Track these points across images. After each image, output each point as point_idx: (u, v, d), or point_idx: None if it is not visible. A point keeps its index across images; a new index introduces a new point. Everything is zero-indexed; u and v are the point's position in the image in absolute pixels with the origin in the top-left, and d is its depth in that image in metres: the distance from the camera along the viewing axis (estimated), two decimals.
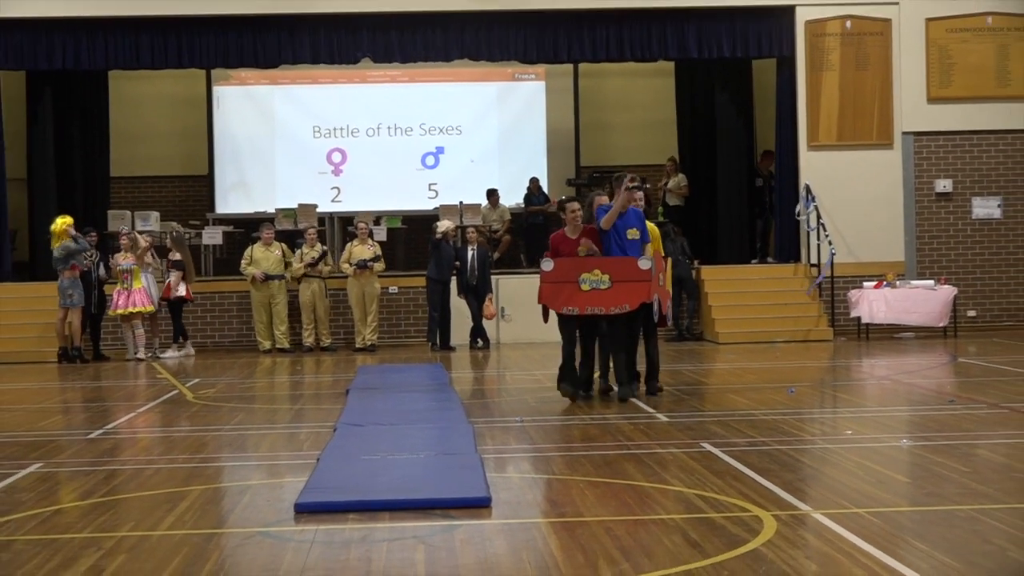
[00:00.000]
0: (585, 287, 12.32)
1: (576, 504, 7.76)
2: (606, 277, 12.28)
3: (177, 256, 19.99)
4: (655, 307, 12.56)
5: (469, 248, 19.90)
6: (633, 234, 12.49)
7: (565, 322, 12.65)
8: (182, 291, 19.74)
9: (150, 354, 19.39)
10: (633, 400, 12.32)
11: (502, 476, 8.70)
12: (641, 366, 12.97)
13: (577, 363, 12.71)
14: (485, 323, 20.00)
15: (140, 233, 20.08)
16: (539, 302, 12.71)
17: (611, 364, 12.84)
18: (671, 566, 6.14)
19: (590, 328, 12.75)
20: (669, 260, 13.55)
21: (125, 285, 19.31)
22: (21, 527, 7.40)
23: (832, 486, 8.23)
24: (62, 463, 9.77)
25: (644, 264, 12.30)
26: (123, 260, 19.36)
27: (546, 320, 12.90)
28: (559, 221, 23.50)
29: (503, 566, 6.31)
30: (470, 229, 20.43)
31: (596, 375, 13.12)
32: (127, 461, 9.79)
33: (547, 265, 12.59)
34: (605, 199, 12.81)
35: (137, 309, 19.33)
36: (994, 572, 5.90)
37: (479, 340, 19.99)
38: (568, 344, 12.65)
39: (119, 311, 19.29)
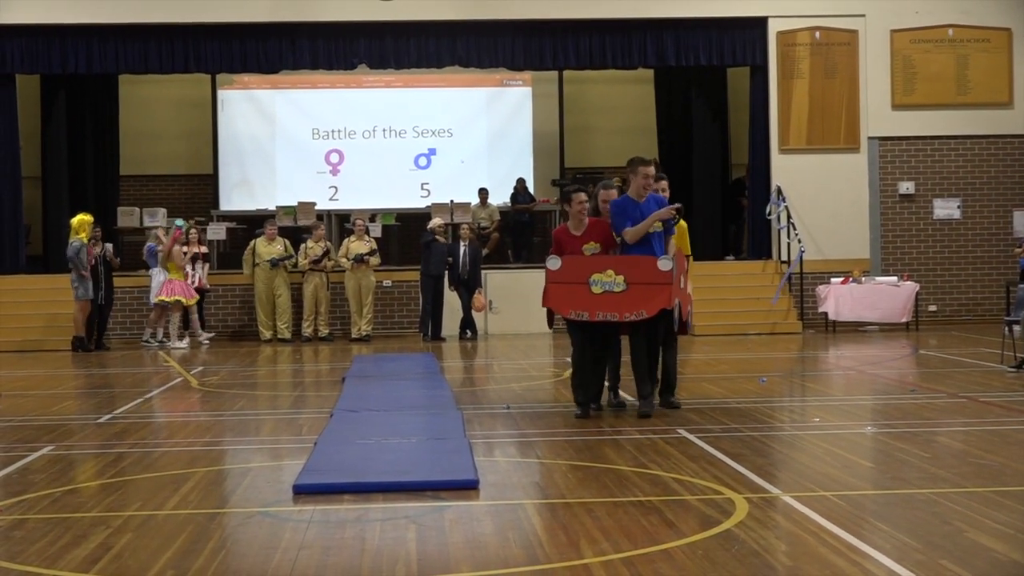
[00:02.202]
0: (596, 289, 10.23)
1: (559, 487, 7.75)
2: (620, 279, 10.20)
3: (205, 249, 20.12)
4: (675, 313, 10.43)
5: (461, 244, 19.90)
6: (657, 226, 10.47)
7: (575, 328, 10.63)
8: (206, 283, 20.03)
9: (157, 342, 19.39)
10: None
11: (489, 460, 8.68)
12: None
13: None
14: (474, 315, 20.01)
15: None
16: (544, 305, 10.66)
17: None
18: (649, 545, 6.14)
19: (602, 333, 10.66)
20: (690, 259, 11.30)
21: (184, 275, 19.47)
22: (34, 506, 7.38)
23: (800, 470, 8.24)
24: (73, 446, 9.74)
25: (664, 265, 10.20)
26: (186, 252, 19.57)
27: (551, 325, 11.13)
28: (544, 219, 23.81)
29: (490, 545, 6.29)
30: (463, 226, 20.41)
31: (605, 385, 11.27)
32: (134, 444, 9.76)
33: (553, 263, 10.46)
34: (614, 193, 10.77)
35: (190, 300, 19.54)
36: (951, 552, 5.90)
37: (468, 331, 19.99)
38: (581, 352, 10.63)
39: (188, 299, 19.47)
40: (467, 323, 20.01)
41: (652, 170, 10.53)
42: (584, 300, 10.26)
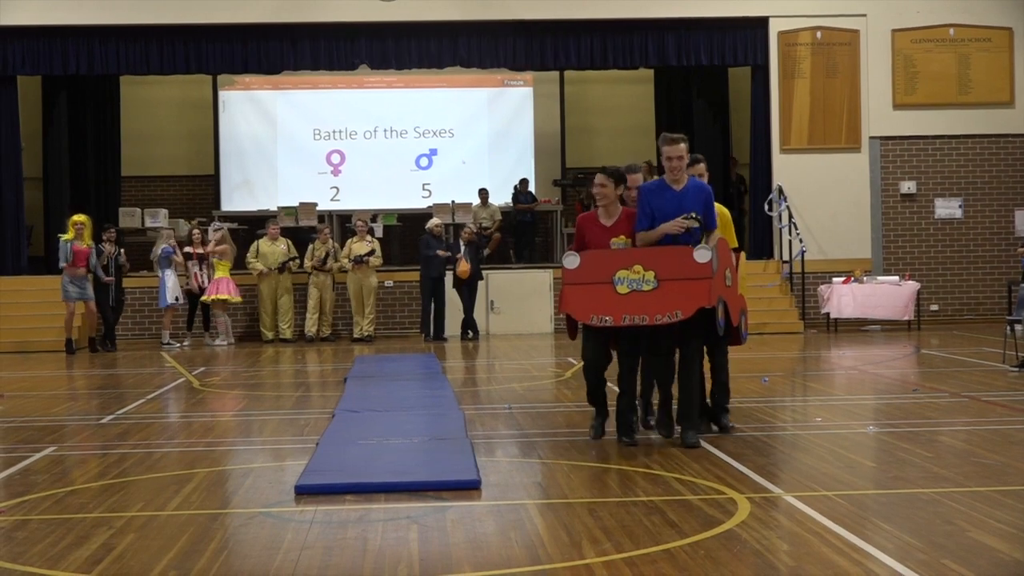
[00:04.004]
0: (622, 289, 8.67)
1: (561, 487, 7.75)
2: (651, 275, 8.65)
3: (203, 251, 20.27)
4: (719, 315, 8.90)
5: (462, 245, 19.90)
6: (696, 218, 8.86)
7: (592, 337, 8.94)
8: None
9: (167, 343, 19.46)
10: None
11: (491, 460, 8.67)
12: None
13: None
14: (473, 313, 20.03)
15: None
16: (561, 310, 9.13)
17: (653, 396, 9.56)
18: (651, 545, 6.13)
19: (632, 343, 9.04)
20: (740, 254, 9.81)
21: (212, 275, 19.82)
22: (36, 507, 7.38)
23: (802, 470, 8.23)
24: (75, 447, 9.74)
25: (702, 256, 8.65)
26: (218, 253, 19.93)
27: (572, 335, 9.20)
28: (546, 219, 23.82)
29: (492, 545, 6.29)
30: (465, 227, 20.40)
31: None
32: (136, 445, 9.75)
33: (571, 261, 8.87)
34: (639, 177, 9.22)
35: (220, 296, 19.80)
36: (954, 551, 5.90)
37: (469, 332, 19.99)
38: (593, 370, 9.02)
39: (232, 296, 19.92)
40: (468, 323, 20.01)
41: (679, 149, 8.80)
42: (608, 302, 8.69)
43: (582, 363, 9.31)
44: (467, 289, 19.85)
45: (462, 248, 19.82)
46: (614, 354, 9.14)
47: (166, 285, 19.56)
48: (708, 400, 9.59)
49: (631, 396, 9.06)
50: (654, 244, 8.82)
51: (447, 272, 19.82)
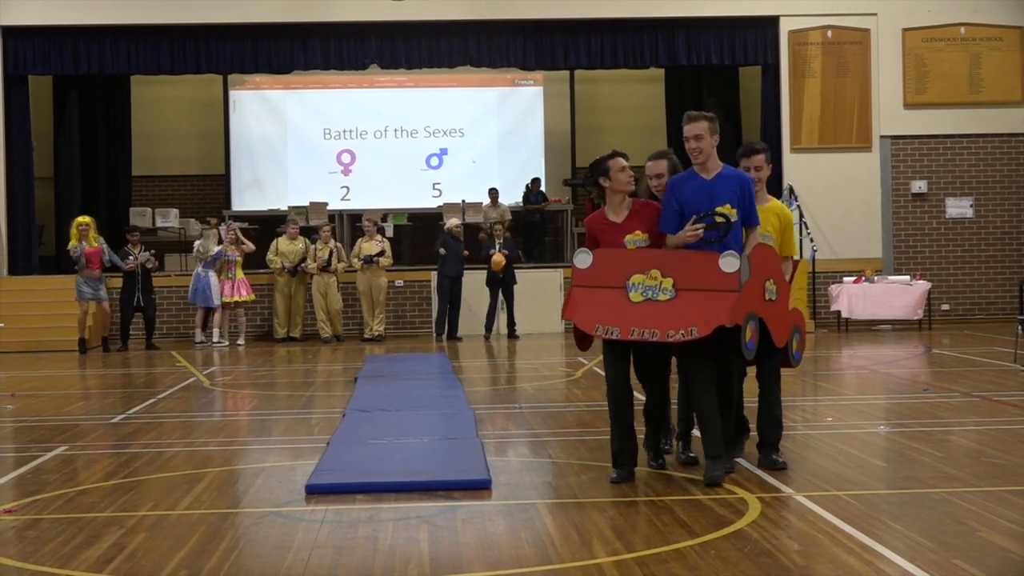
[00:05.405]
0: (635, 296, 7.46)
1: (571, 486, 7.74)
2: (668, 282, 7.42)
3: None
4: (747, 336, 7.46)
5: (496, 242, 19.86)
6: (727, 213, 7.51)
7: (610, 350, 7.74)
8: None
9: (211, 342, 19.50)
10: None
11: (502, 460, 8.68)
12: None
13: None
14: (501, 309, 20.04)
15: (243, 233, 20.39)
16: (564, 316, 7.88)
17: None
18: (661, 545, 6.13)
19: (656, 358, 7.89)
20: (803, 262, 8.48)
21: (229, 275, 19.67)
22: (47, 506, 7.40)
23: (813, 470, 8.21)
24: (86, 446, 9.76)
25: (729, 264, 7.32)
26: (229, 252, 19.79)
27: (583, 346, 7.91)
28: (556, 218, 23.81)
29: (502, 545, 6.29)
30: (496, 226, 20.37)
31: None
32: (147, 444, 9.77)
33: (582, 260, 7.67)
34: (664, 164, 8.04)
35: (242, 298, 19.75)
36: (965, 551, 5.89)
37: (515, 329, 19.90)
38: (616, 388, 7.74)
39: (224, 299, 19.74)
40: (511, 321, 19.89)
41: (697, 127, 7.70)
42: (617, 311, 7.47)
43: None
44: (501, 287, 19.77)
45: (497, 246, 19.77)
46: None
47: (212, 285, 19.58)
48: (755, 431, 8.47)
49: (659, 412, 8.07)
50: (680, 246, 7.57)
51: (465, 271, 19.80)
